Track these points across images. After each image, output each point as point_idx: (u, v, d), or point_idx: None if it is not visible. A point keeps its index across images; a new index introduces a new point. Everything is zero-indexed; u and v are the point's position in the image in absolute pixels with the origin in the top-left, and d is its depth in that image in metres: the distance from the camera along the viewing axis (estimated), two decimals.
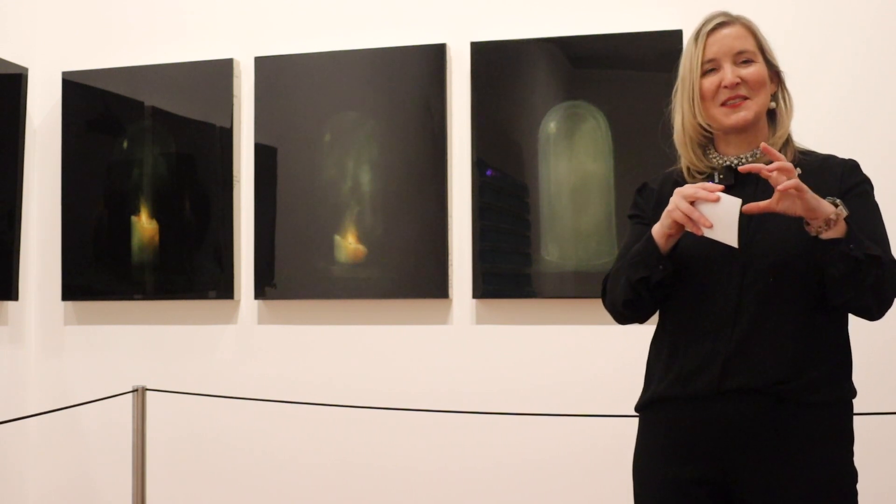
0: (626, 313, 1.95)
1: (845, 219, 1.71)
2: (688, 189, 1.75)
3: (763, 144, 1.74)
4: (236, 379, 3.61)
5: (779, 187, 1.67)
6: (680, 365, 1.84)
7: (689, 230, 1.76)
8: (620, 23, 3.31)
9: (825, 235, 1.71)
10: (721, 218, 1.71)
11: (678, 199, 1.75)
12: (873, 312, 1.79)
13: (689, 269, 1.84)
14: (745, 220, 1.77)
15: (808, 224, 1.73)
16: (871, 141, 3.09)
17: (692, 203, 1.74)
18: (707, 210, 1.73)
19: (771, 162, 1.71)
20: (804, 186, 1.68)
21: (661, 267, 1.82)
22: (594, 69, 3.37)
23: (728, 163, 1.90)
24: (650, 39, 3.26)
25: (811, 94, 3.10)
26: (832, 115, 3.13)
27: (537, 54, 3.37)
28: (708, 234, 1.73)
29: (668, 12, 3.26)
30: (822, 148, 1.98)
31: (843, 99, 3.15)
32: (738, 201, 1.70)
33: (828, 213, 1.70)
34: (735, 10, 1.96)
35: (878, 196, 1.91)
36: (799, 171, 1.73)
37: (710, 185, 1.74)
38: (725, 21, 1.91)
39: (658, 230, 1.82)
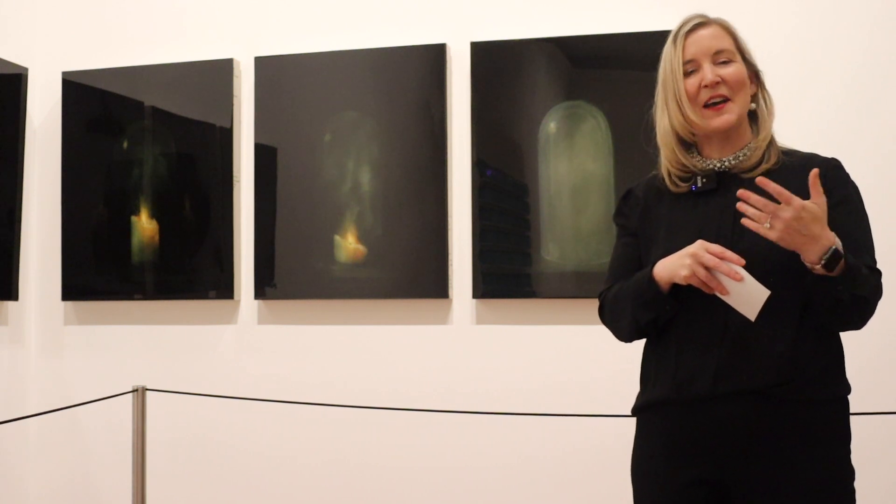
0: (631, 341, 1.98)
1: (844, 258, 1.70)
2: (710, 259, 1.71)
3: (759, 179, 1.70)
4: (236, 379, 3.61)
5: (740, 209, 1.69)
6: (674, 371, 1.84)
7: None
8: (620, 23, 3.31)
9: (817, 272, 1.71)
10: (741, 294, 1.71)
11: (697, 266, 1.72)
12: (855, 328, 1.83)
13: None
14: (739, 227, 1.76)
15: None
16: (869, 141, 3.09)
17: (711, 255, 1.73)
18: (727, 281, 1.72)
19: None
20: (797, 224, 1.66)
21: (668, 307, 1.83)
22: (594, 69, 3.37)
23: (711, 166, 1.90)
24: (650, 39, 3.23)
25: (809, 95, 3.11)
26: (830, 115, 3.13)
27: (537, 54, 3.37)
28: (724, 299, 1.74)
29: (668, 12, 3.25)
30: (822, 148, 1.98)
31: (842, 99, 3.15)
32: (767, 293, 1.70)
33: (812, 262, 1.69)
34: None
35: (876, 197, 1.91)
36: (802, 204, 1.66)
37: (734, 258, 1.71)
38: (702, 22, 1.91)
39: (665, 275, 1.80)
